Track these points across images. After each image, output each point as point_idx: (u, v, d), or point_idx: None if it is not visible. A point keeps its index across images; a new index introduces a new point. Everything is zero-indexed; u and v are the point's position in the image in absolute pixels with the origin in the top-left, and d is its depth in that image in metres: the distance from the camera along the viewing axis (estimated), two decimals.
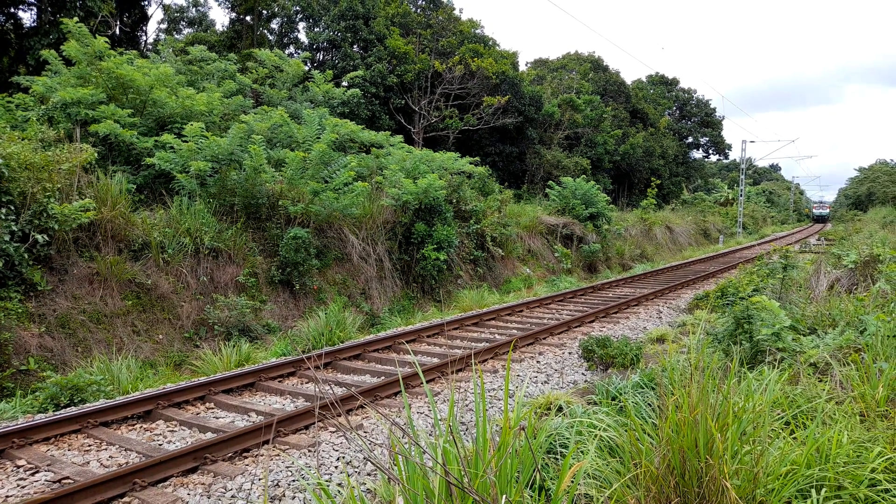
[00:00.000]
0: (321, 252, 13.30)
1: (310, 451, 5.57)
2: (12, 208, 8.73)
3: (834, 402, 4.35)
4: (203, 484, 4.95)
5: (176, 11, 32.85)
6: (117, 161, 12.47)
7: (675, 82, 59.98)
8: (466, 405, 6.78)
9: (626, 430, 3.52)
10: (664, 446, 3.14)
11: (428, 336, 10.39)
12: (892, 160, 75.13)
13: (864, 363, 4.95)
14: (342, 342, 10.14)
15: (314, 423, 6.16)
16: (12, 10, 19.62)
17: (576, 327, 11.37)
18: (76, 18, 14.27)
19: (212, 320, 10.46)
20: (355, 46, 26.70)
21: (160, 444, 5.78)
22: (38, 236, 8.87)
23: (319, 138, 14.53)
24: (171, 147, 12.26)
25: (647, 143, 42.66)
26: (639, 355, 8.37)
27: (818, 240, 34.89)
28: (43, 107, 12.86)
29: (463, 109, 28.06)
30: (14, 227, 8.65)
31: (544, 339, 10.32)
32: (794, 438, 3.65)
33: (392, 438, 2.76)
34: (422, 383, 4.92)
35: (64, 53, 13.56)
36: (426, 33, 28.16)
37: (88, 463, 5.34)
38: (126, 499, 4.69)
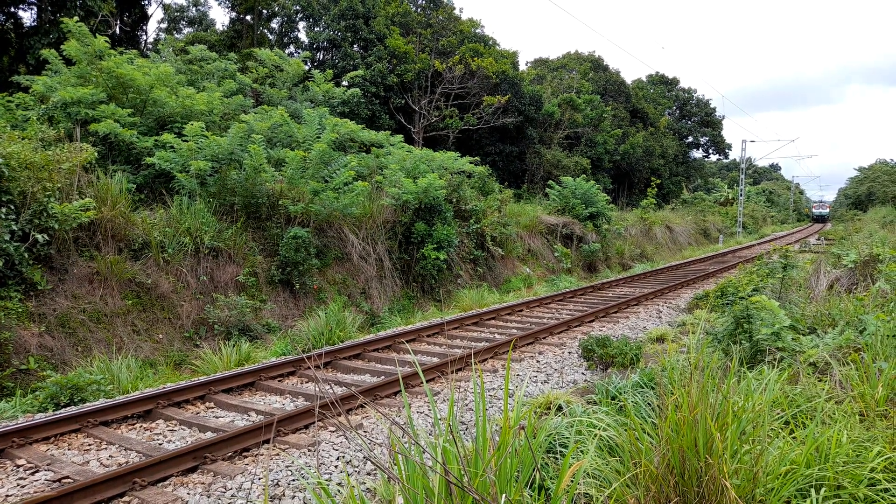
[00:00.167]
0: (321, 251, 13.30)
1: (310, 450, 5.57)
2: (12, 208, 8.73)
3: (833, 402, 4.35)
4: (203, 483, 4.95)
5: (176, 11, 32.85)
6: (117, 160, 12.47)
7: (675, 82, 59.98)
8: (466, 405, 6.78)
9: (625, 430, 3.52)
10: (664, 446, 3.14)
11: (428, 335, 10.40)
12: (892, 160, 75.10)
13: (863, 363, 4.95)
14: (342, 342, 10.14)
15: (314, 423, 6.17)
16: (12, 9, 19.61)
17: (575, 327, 11.37)
18: (76, 18, 14.27)
19: (212, 320, 10.46)
20: (355, 46, 26.70)
21: (160, 444, 5.78)
22: (39, 236, 8.87)
23: (319, 138, 14.53)
24: (172, 146, 12.26)
25: (647, 142, 42.66)
26: (638, 355, 8.38)
27: (818, 239, 34.90)
28: (43, 106, 12.86)
29: (463, 109, 28.06)
30: (14, 227, 8.65)
31: (544, 338, 10.32)
32: (794, 438, 3.66)
33: (392, 438, 2.76)
34: (422, 383, 4.93)
35: (64, 53, 13.56)
36: (426, 33, 28.16)
37: (88, 462, 5.34)
38: (126, 498, 4.69)
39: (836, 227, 43.14)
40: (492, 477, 2.59)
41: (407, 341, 9.96)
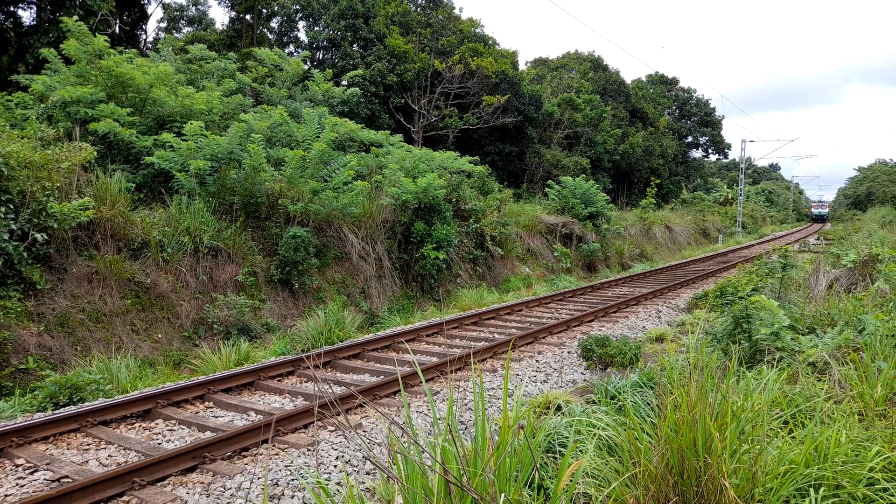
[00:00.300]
0: (320, 251, 13.30)
1: (309, 450, 5.57)
2: (11, 207, 8.73)
3: (832, 402, 4.35)
4: (202, 483, 4.95)
5: (175, 10, 32.83)
6: (117, 160, 12.47)
7: (674, 82, 59.99)
8: (465, 404, 6.78)
9: (624, 430, 3.52)
10: (663, 445, 3.15)
11: (427, 335, 10.40)
12: (891, 160, 75.09)
13: (862, 362, 4.96)
14: (341, 341, 10.14)
15: (313, 423, 6.16)
16: (12, 8, 19.60)
17: (575, 326, 11.37)
18: (76, 17, 14.27)
19: (211, 319, 10.46)
20: (355, 45, 26.69)
21: (159, 443, 5.78)
22: (38, 235, 8.87)
23: (319, 137, 14.53)
24: (171, 146, 12.26)
25: (646, 142, 42.67)
26: (638, 354, 8.38)
27: (817, 239, 34.92)
28: (42, 105, 12.86)
29: (462, 109, 28.06)
30: (13, 226, 8.64)
31: (543, 338, 10.32)
32: (793, 437, 3.66)
33: (391, 437, 2.76)
34: (421, 382, 4.93)
35: (63, 52, 13.55)
36: (426, 32, 28.15)
37: (87, 462, 5.34)
38: (125, 498, 4.69)
39: (836, 227, 43.17)
40: (491, 476, 2.59)
41: (406, 341, 9.96)
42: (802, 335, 6.48)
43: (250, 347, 9.64)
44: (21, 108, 12.98)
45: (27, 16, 25.42)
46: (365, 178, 16.05)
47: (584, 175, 27.81)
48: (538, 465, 3.33)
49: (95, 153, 10.64)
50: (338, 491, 4.44)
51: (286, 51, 27.11)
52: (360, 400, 6.38)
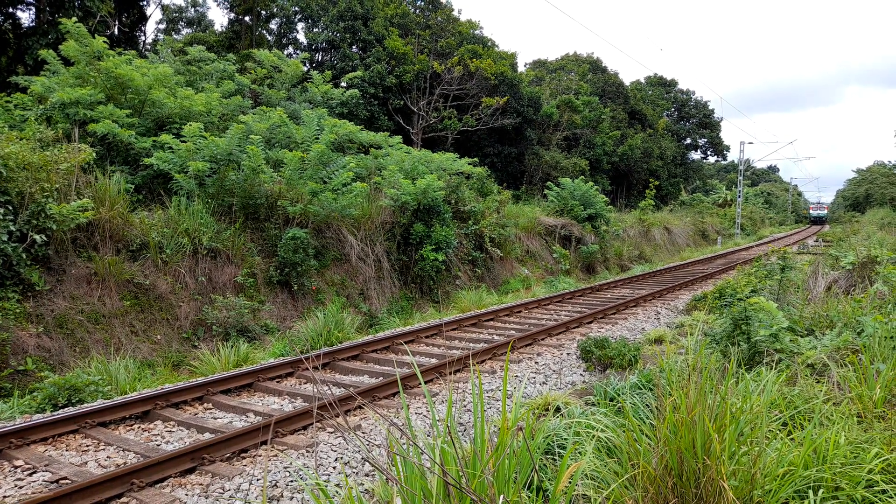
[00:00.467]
0: (320, 252, 13.30)
1: (308, 451, 5.57)
2: (10, 208, 8.72)
3: (831, 403, 4.36)
4: (201, 484, 4.94)
5: (174, 11, 32.84)
6: (115, 161, 12.46)
7: (673, 83, 60.07)
8: (465, 406, 6.78)
9: (623, 431, 3.53)
10: (662, 447, 3.15)
11: (426, 337, 10.39)
12: (889, 162, 75.09)
13: (861, 364, 4.96)
14: (340, 343, 10.13)
15: (312, 424, 6.16)
16: (10, 9, 19.60)
17: (574, 328, 11.37)
18: (75, 18, 14.26)
19: (210, 321, 10.45)
20: (354, 47, 26.70)
21: (158, 445, 5.77)
22: (37, 236, 8.86)
23: (318, 139, 14.53)
24: (170, 147, 12.25)
25: (645, 144, 42.71)
26: (637, 356, 8.38)
27: (816, 241, 34.96)
28: (41, 107, 12.85)
29: (462, 110, 28.08)
30: (12, 227, 8.64)
31: (542, 339, 10.32)
32: (792, 439, 3.66)
33: (390, 439, 2.76)
34: (420, 384, 4.93)
35: (62, 53, 13.55)
36: (425, 34, 28.18)
37: (86, 463, 5.33)
38: (124, 499, 4.69)
39: (834, 228, 43.20)
40: (490, 478, 2.59)
41: (405, 342, 9.96)
42: (801, 337, 6.48)
43: (249, 349, 9.64)
44: (20, 110, 12.97)
45: (26, 17, 25.46)
46: (364, 179, 16.06)
47: (582, 177, 27.83)
48: (537, 467, 3.33)
49: (94, 154, 10.63)
50: (337, 492, 4.44)
51: (285, 52, 27.13)
52: (360, 401, 6.38)
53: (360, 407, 6.68)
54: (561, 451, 4.13)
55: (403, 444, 2.91)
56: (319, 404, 6.15)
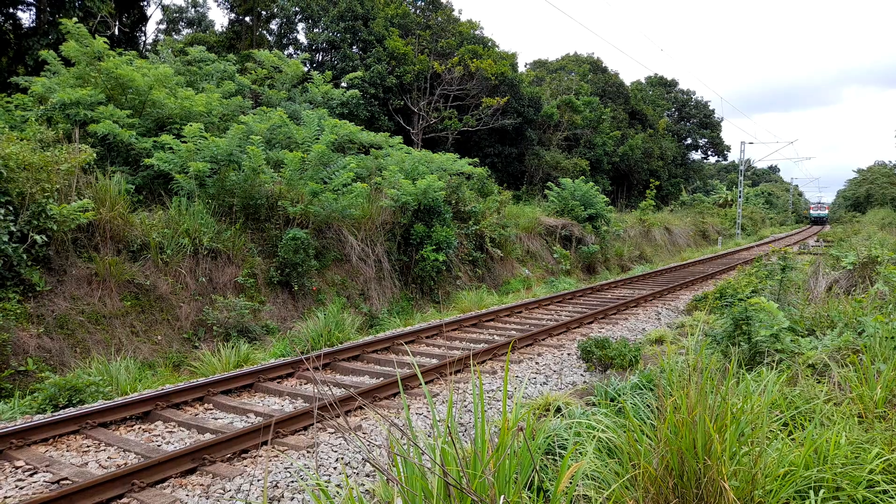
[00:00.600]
0: (320, 253, 13.30)
1: (308, 451, 5.57)
2: (11, 209, 8.72)
3: (832, 404, 4.36)
4: (202, 485, 4.95)
5: (175, 12, 32.86)
6: (116, 162, 12.46)
7: (673, 84, 60.10)
8: (465, 406, 6.78)
9: (624, 431, 3.52)
10: (662, 447, 3.15)
11: (427, 337, 10.39)
12: (890, 162, 75.07)
13: (862, 364, 4.96)
14: (341, 343, 10.13)
15: (313, 424, 6.16)
16: (11, 10, 19.62)
17: (574, 328, 11.37)
18: (75, 19, 14.28)
19: (210, 321, 10.45)
20: (354, 47, 26.71)
21: (159, 445, 5.78)
22: (37, 237, 8.86)
23: (318, 139, 14.53)
24: (170, 148, 12.26)
25: (645, 144, 42.71)
26: (637, 356, 8.38)
27: (817, 241, 34.94)
28: (42, 107, 12.86)
29: (462, 110, 28.09)
30: (13, 228, 8.64)
31: (543, 340, 10.32)
32: (793, 439, 3.66)
33: (391, 439, 2.76)
34: (420, 384, 4.93)
35: (63, 54, 13.56)
36: (425, 34, 28.18)
37: (87, 464, 5.33)
38: (125, 499, 4.69)
39: (835, 228, 43.18)
40: (490, 478, 2.59)
41: (406, 343, 9.96)
42: (802, 337, 6.48)
43: (250, 349, 9.64)
44: (20, 110, 12.98)
45: (26, 17, 25.45)
46: (364, 179, 16.06)
47: (583, 177, 27.84)
48: (538, 467, 3.33)
49: (95, 155, 10.64)
50: (337, 493, 4.44)
51: (285, 53, 27.14)
52: (360, 402, 6.37)
53: (360, 407, 6.68)
54: (562, 451, 4.13)
55: (404, 444, 2.91)
56: (320, 405, 6.15)
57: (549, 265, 21.22)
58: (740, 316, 6.59)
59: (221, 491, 4.83)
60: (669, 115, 57.86)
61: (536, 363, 8.85)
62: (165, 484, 4.95)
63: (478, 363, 8.66)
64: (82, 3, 18.79)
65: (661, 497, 3.07)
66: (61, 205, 9.28)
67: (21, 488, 4.84)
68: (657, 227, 32.31)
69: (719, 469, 2.96)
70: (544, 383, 7.91)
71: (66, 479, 4.94)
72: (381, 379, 7.76)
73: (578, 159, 33.96)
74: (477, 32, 30.71)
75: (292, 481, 4.92)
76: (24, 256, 8.70)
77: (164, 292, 10.35)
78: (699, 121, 60.23)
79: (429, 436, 5.63)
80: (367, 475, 5.18)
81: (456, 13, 31.62)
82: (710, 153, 64.38)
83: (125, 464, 5.33)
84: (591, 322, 12.03)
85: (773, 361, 5.54)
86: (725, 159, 73.34)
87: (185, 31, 33.14)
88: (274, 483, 4.90)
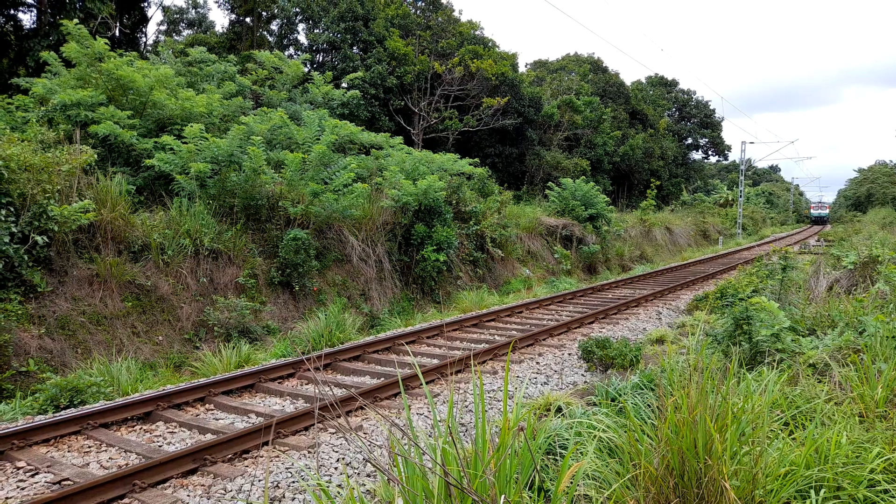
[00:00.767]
0: (321, 253, 13.31)
1: (309, 452, 5.57)
2: (12, 210, 8.74)
3: (833, 403, 4.35)
4: (203, 485, 4.95)
5: (175, 13, 32.89)
6: (117, 162, 12.48)
7: (674, 83, 60.07)
8: (466, 406, 6.78)
9: (625, 431, 3.53)
10: (663, 447, 3.15)
11: (427, 337, 10.40)
12: (891, 161, 74.99)
13: (863, 364, 4.96)
14: (342, 343, 10.14)
15: (314, 425, 6.17)
16: (12, 11, 19.64)
17: (575, 328, 11.37)
18: (76, 20, 14.29)
19: (211, 322, 10.46)
20: (355, 48, 26.72)
21: (160, 446, 5.78)
22: (38, 238, 8.87)
23: (319, 140, 14.54)
24: (171, 148, 12.27)
25: (646, 144, 42.70)
26: (638, 356, 8.38)
27: (817, 241, 34.92)
28: (43, 108, 12.87)
29: (462, 111, 28.09)
30: (14, 229, 8.65)
31: (544, 340, 10.32)
32: (793, 439, 3.66)
33: (391, 439, 2.76)
34: (421, 384, 4.94)
35: (64, 55, 13.58)
36: (426, 35, 28.19)
37: (88, 464, 5.34)
38: (126, 500, 4.69)
39: (836, 228, 43.13)
40: (491, 478, 2.59)
41: (406, 343, 9.96)
42: (803, 337, 6.48)
43: (251, 350, 9.64)
44: (21, 111, 13.00)
45: (27, 19, 25.51)
46: (365, 180, 16.07)
47: (584, 177, 27.83)
48: (539, 467, 3.33)
49: (96, 156, 10.65)
50: (338, 493, 4.44)
51: (286, 53, 27.17)
52: (361, 402, 6.38)
53: (361, 408, 6.69)
54: (562, 451, 4.13)
55: (405, 444, 2.91)
56: (321, 405, 6.16)
57: (549, 265, 21.22)
58: (741, 315, 6.59)
59: (223, 491, 4.83)
60: (670, 115, 57.84)
61: (537, 363, 8.85)
62: (167, 484, 4.96)
63: (478, 363, 8.66)
64: (83, 4, 18.81)
65: (661, 497, 3.07)
66: (62, 206, 9.29)
67: (22, 489, 4.85)
68: (658, 227, 32.30)
69: (720, 469, 2.96)
70: (545, 383, 7.91)
71: (67, 479, 4.94)
72: (382, 379, 7.77)
73: (579, 159, 33.96)
74: (477, 33, 30.72)
75: (293, 481, 4.93)
76: (26, 257, 8.71)
77: (165, 293, 10.36)
78: (700, 120, 60.20)
79: (430, 436, 5.63)
80: (368, 475, 5.19)
81: (456, 13, 31.64)
82: (710, 153, 64.37)
83: (126, 464, 5.33)
84: (592, 322, 12.03)
85: (774, 361, 5.54)
86: (726, 159, 73.32)
87: (186, 32, 33.18)
88: (275, 483, 4.90)
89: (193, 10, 33.56)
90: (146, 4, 24.47)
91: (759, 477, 3.07)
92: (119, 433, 6.11)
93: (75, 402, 7.02)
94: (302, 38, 28.99)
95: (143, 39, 25.83)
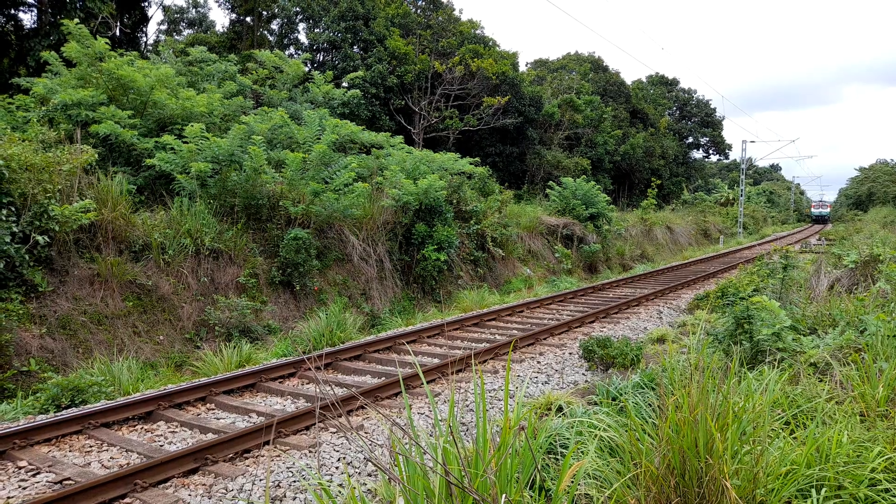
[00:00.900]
0: (322, 253, 13.31)
1: (310, 451, 5.58)
2: (13, 209, 8.74)
3: (834, 402, 4.35)
4: (204, 485, 4.95)
5: (176, 12, 32.89)
6: (118, 162, 12.49)
7: (675, 82, 60.01)
8: (467, 405, 6.78)
9: (626, 431, 3.53)
10: (664, 446, 3.15)
11: (428, 336, 10.40)
12: (892, 160, 74.92)
13: (864, 363, 4.95)
14: (343, 343, 10.14)
15: (315, 424, 6.17)
16: (13, 11, 19.65)
17: (576, 328, 11.37)
18: (76, 20, 14.29)
19: (212, 321, 10.46)
20: (355, 47, 26.72)
21: (161, 445, 5.79)
22: (39, 237, 8.88)
23: (320, 139, 14.54)
24: (172, 148, 12.27)
25: (647, 143, 42.67)
26: (639, 355, 8.38)
27: (818, 240, 34.89)
28: (43, 108, 12.88)
29: (463, 110, 28.08)
30: (15, 229, 8.66)
31: (545, 339, 10.32)
32: (794, 438, 3.66)
33: (392, 438, 2.76)
34: (422, 384, 4.94)
35: (64, 55, 13.58)
36: (426, 34, 28.18)
37: (90, 464, 5.34)
38: (127, 499, 4.70)
39: (837, 227, 43.10)
40: (492, 477, 2.59)
41: (407, 342, 9.96)
42: (804, 336, 6.48)
43: (252, 349, 9.65)
44: (22, 111, 13.01)
45: (28, 18, 25.51)
46: (366, 179, 16.06)
47: (584, 176, 27.82)
48: (539, 466, 3.34)
49: (96, 156, 10.65)
50: (339, 492, 4.44)
51: (286, 53, 27.14)
52: (362, 401, 6.39)
53: (362, 407, 6.69)
54: (563, 450, 4.13)
55: (406, 443, 2.92)
56: (322, 404, 6.16)
57: (550, 264, 21.22)
58: (742, 315, 6.59)
59: (224, 490, 4.84)
60: (671, 114, 57.80)
61: (538, 362, 8.85)
62: (168, 484, 4.96)
63: (479, 362, 8.66)
64: (84, 4, 18.81)
65: (662, 496, 3.07)
66: (63, 205, 9.30)
67: (24, 488, 4.85)
68: (659, 226, 32.29)
69: (721, 468, 2.96)
70: (546, 382, 7.91)
71: (68, 479, 4.95)
72: (383, 378, 7.77)
73: (580, 158, 33.94)
74: (478, 32, 30.70)
75: (294, 481, 4.93)
76: (27, 257, 8.71)
77: (166, 292, 10.36)
78: (700, 119, 60.15)
79: (431, 435, 5.64)
80: (370, 475, 5.19)
81: (457, 13, 31.61)
82: (711, 152, 64.30)
83: (128, 464, 5.34)
84: (593, 321, 12.03)
85: (775, 360, 5.54)
86: (727, 158, 73.25)
87: (187, 32, 33.18)
88: (276, 482, 4.91)
89: (194, 10, 33.58)
90: (147, 4, 24.48)
91: (760, 476, 3.07)
92: (120, 433, 6.12)
93: (76, 402, 7.03)
94: (302, 38, 29.00)
95: (144, 39, 25.84)
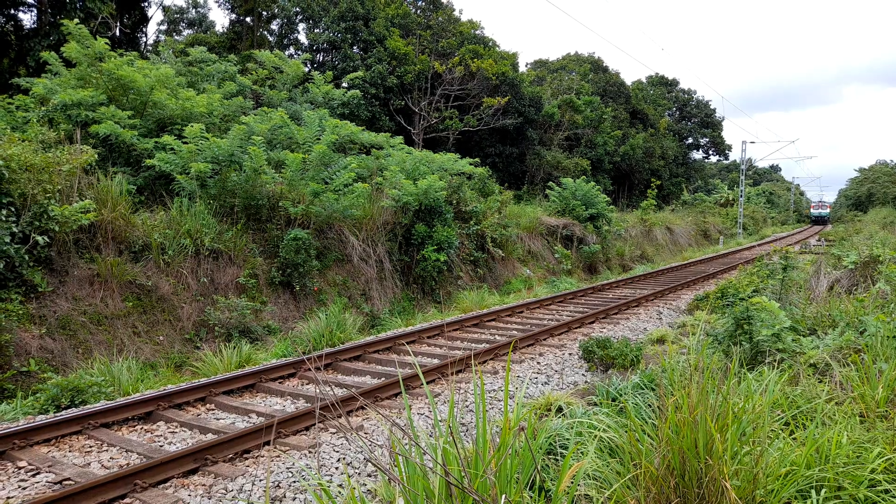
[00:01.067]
0: (321, 253, 13.31)
1: (310, 452, 5.58)
2: (13, 210, 8.74)
3: (834, 403, 4.36)
4: (204, 485, 4.95)
5: (176, 13, 32.90)
6: (117, 162, 12.48)
7: (674, 83, 60.03)
8: (467, 406, 6.79)
9: (625, 431, 3.53)
10: (664, 447, 3.15)
11: (428, 337, 10.40)
12: (891, 161, 74.93)
13: (863, 364, 4.96)
14: (342, 343, 10.14)
15: (315, 425, 6.17)
16: (12, 11, 19.65)
17: (576, 328, 11.37)
18: (76, 20, 14.29)
19: (212, 321, 10.46)
20: (355, 47, 26.73)
21: (161, 446, 5.79)
22: (39, 238, 8.88)
23: (319, 139, 14.54)
24: (172, 148, 12.27)
25: (647, 143, 42.69)
26: (639, 356, 8.38)
27: (818, 240, 34.90)
28: (43, 108, 12.88)
29: (463, 110, 28.09)
30: (14, 229, 8.66)
31: (544, 339, 10.32)
32: (794, 439, 3.66)
33: (392, 439, 2.77)
34: (422, 384, 4.94)
35: (64, 55, 13.58)
36: (426, 34, 28.19)
37: (90, 464, 5.34)
38: (127, 500, 4.70)
39: (836, 228, 43.10)
40: (492, 478, 2.59)
41: (407, 343, 9.96)
42: (803, 336, 6.48)
43: (251, 349, 9.65)
44: (22, 111, 13.01)
45: (28, 19, 25.53)
46: (365, 180, 16.07)
47: (584, 176, 27.82)
48: (539, 467, 3.34)
49: (96, 156, 10.65)
50: (339, 493, 4.45)
51: (286, 53, 27.16)
52: (362, 402, 6.39)
53: (362, 407, 6.69)
54: (563, 451, 4.13)
55: (406, 444, 2.92)
56: (322, 405, 6.16)
57: (550, 265, 21.22)
58: (742, 315, 6.59)
59: (224, 491, 4.83)
60: (670, 115, 57.82)
61: (538, 363, 8.85)
62: (168, 484, 4.96)
63: (479, 363, 8.67)
64: (83, 4, 18.81)
65: (662, 496, 3.07)
66: (63, 206, 9.29)
67: (24, 489, 4.85)
68: (658, 227, 32.30)
69: (721, 468, 2.96)
70: (546, 383, 7.91)
71: (68, 479, 4.95)
72: (383, 379, 7.77)
73: (579, 159, 33.95)
74: (477, 32, 30.71)
75: (294, 481, 4.93)
76: (26, 257, 8.71)
77: (166, 293, 10.36)
78: (700, 120, 60.17)
79: (430, 436, 5.64)
80: (369, 475, 5.19)
81: (456, 13, 31.63)
82: (711, 152, 64.34)
83: (127, 464, 5.34)
84: (593, 322, 12.03)
85: (775, 361, 5.54)
86: (727, 158, 73.28)
87: (186, 32, 33.19)
88: (276, 483, 4.91)
89: (193, 10, 33.59)
90: (146, 4, 24.49)
91: (759, 477, 3.07)
92: (120, 433, 6.11)
93: (76, 402, 7.03)
94: (302, 38, 29.02)
95: (144, 39, 25.85)
